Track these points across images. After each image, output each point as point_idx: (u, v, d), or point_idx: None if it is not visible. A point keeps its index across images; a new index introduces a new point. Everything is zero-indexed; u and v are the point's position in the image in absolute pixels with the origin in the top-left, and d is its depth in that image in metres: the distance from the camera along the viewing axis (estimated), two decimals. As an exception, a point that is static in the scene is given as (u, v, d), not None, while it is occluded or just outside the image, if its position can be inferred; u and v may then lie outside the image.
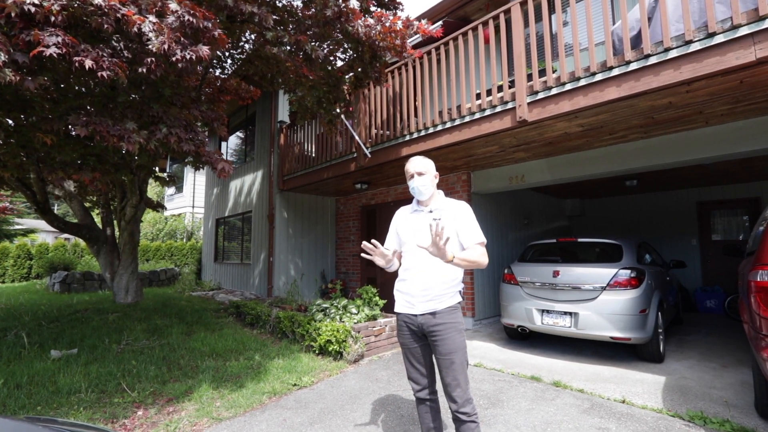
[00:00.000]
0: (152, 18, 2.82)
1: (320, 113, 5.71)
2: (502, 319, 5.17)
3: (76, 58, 2.62)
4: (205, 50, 2.99)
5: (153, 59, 2.97)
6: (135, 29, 2.78)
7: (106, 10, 2.69)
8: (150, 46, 2.80)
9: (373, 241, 2.04)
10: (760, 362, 2.54)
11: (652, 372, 3.95)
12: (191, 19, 2.94)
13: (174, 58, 2.88)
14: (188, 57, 2.91)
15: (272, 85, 6.11)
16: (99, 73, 2.73)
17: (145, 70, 2.99)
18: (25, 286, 10.79)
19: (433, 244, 1.81)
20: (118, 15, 2.73)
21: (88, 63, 2.64)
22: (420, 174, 2.13)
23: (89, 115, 3.22)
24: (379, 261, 2.09)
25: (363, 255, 2.09)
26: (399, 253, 2.23)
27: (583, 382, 3.69)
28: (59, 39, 2.56)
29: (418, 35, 4.71)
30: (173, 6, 2.93)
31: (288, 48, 4.25)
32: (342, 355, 4.39)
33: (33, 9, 2.52)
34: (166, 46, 2.79)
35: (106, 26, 2.72)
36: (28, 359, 3.94)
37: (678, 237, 8.45)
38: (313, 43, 4.62)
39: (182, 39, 2.93)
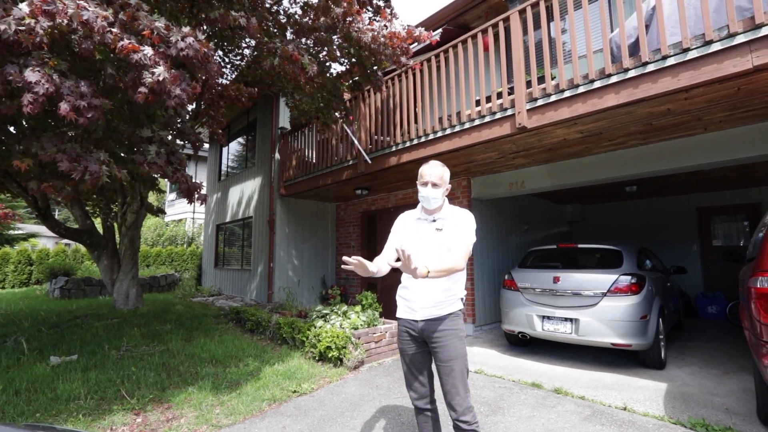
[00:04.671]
0: (148, 52, 2.79)
1: (318, 117, 5.73)
2: (502, 325, 5.16)
3: (60, 111, 2.61)
4: (198, 87, 3.05)
5: (147, 92, 2.90)
6: (133, 60, 2.76)
7: (96, 34, 2.64)
8: (145, 80, 2.80)
9: (354, 257, 1.90)
10: (761, 369, 2.53)
11: (653, 379, 3.93)
12: (190, 53, 2.94)
13: (169, 103, 2.90)
14: (181, 99, 2.93)
15: (271, 88, 6.14)
16: (80, 120, 2.73)
17: (141, 101, 2.94)
18: (25, 291, 10.78)
19: (403, 264, 1.77)
20: (107, 41, 2.70)
21: (71, 115, 2.64)
22: (435, 185, 2.06)
23: (60, 139, 3.10)
24: (360, 272, 1.93)
25: (343, 267, 1.95)
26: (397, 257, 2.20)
27: (584, 389, 3.68)
28: (45, 87, 2.51)
29: (416, 43, 4.76)
30: (174, 38, 2.93)
31: (281, 61, 4.22)
32: (342, 361, 4.38)
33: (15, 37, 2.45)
34: (163, 87, 2.80)
35: (86, 52, 2.69)
36: (28, 365, 3.93)
37: (678, 243, 8.44)
38: (314, 51, 4.63)
39: (178, 79, 2.92)
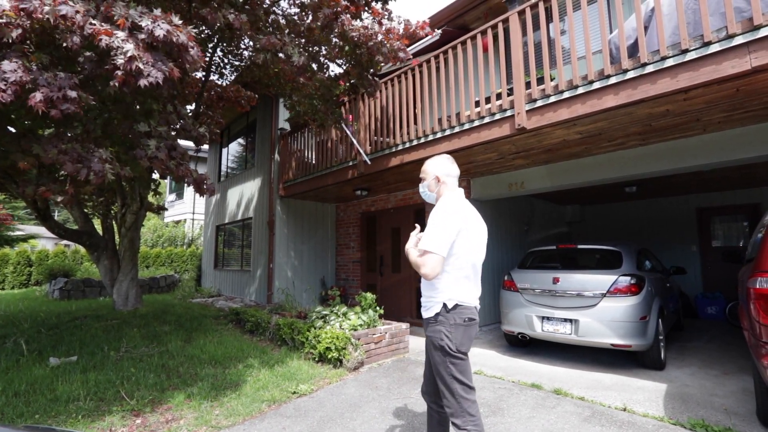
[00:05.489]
0: (120, 35, 2.69)
1: (314, 119, 5.74)
2: (502, 326, 5.16)
3: (30, 100, 2.52)
4: (176, 71, 2.87)
5: (121, 74, 2.73)
6: (103, 45, 2.64)
7: (77, 27, 2.57)
8: (116, 61, 2.67)
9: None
10: (760, 369, 2.54)
11: (653, 379, 3.93)
12: (160, 33, 2.77)
13: (142, 82, 2.71)
14: (155, 81, 2.73)
15: (269, 89, 6.13)
16: (52, 112, 2.63)
17: (116, 84, 2.78)
18: (25, 292, 10.77)
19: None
20: (87, 33, 2.61)
21: (39, 106, 2.55)
22: (421, 180, 2.16)
23: (60, 139, 3.03)
24: None
25: None
26: None
27: (583, 390, 3.68)
28: (19, 76, 2.44)
29: (415, 44, 4.77)
30: (145, 23, 2.79)
31: (271, 53, 4.15)
32: (342, 362, 4.38)
33: None
34: (133, 66, 2.65)
35: (74, 46, 2.62)
36: (27, 367, 3.92)
37: (678, 243, 8.45)
38: (313, 51, 4.63)
39: (151, 60, 2.75)
